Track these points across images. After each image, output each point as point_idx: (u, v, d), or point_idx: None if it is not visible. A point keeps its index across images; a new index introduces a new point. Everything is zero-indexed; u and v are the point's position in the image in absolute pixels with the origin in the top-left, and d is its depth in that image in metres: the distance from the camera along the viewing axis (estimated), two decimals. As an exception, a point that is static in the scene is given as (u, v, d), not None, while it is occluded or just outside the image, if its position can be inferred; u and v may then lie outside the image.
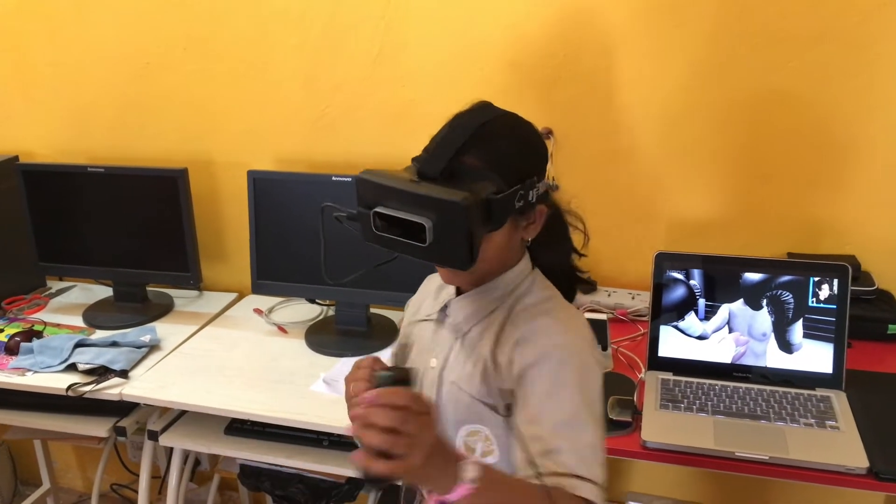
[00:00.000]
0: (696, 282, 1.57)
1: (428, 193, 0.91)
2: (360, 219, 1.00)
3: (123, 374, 1.73)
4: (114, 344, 1.83)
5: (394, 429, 0.78)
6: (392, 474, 0.78)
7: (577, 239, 1.16)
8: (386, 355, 1.23)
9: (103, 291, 2.21)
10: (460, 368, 1.07)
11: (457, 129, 0.98)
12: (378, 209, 0.96)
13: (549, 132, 1.84)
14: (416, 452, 0.78)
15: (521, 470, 0.96)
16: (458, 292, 1.11)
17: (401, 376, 0.85)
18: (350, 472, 1.68)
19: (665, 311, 1.58)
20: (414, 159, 1.01)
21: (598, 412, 0.99)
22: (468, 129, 0.97)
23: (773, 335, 1.53)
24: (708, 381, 1.52)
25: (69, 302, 2.19)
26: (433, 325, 1.15)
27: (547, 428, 0.95)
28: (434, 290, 1.19)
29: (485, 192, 0.93)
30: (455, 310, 1.10)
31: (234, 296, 2.21)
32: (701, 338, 1.57)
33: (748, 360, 1.54)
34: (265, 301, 2.11)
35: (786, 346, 1.52)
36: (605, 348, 1.62)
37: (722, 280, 1.56)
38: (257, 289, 1.97)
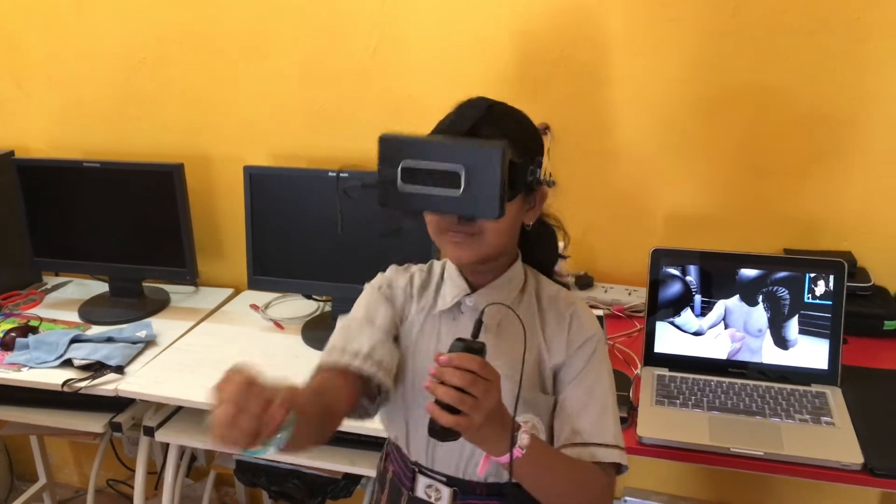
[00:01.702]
0: (692, 278, 1.57)
1: (464, 141, 0.96)
2: (380, 178, 0.99)
3: (119, 369, 1.73)
4: (109, 339, 1.83)
5: (462, 388, 0.87)
6: (454, 427, 0.88)
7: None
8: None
9: (99, 287, 2.20)
10: (505, 359, 1.04)
11: (467, 109, 1.02)
12: (407, 162, 0.96)
13: (546, 128, 1.83)
14: (478, 413, 0.88)
15: (566, 439, 1.05)
16: (471, 288, 1.09)
17: (472, 346, 0.92)
18: (346, 468, 1.68)
19: (661, 307, 1.58)
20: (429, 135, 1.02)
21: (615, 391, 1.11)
22: (479, 109, 1.01)
23: (768, 331, 1.53)
24: (704, 377, 1.52)
25: (65, 297, 2.19)
26: (446, 321, 1.11)
27: (593, 402, 1.05)
28: (417, 289, 1.15)
29: (510, 152, 0.96)
30: (480, 304, 1.06)
31: (230, 291, 2.20)
32: (697, 334, 1.57)
33: (744, 356, 1.54)
34: (261, 297, 2.10)
35: (781, 342, 1.52)
36: (601, 344, 1.62)
37: (718, 276, 1.56)
38: (253, 284, 1.97)
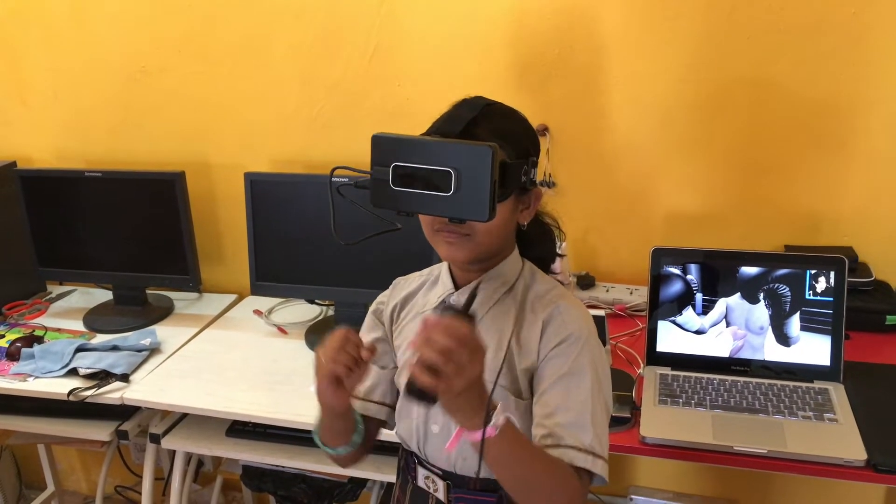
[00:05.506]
0: (693, 276, 1.57)
1: (455, 143, 0.96)
2: (373, 178, 1.00)
3: (124, 377, 1.74)
4: (114, 348, 1.84)
5: (448, 351, 0.84)
6: (433, 389, 0.85)
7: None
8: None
9: (103, 295, 2.21)
10: None
11: (463, 108, 1.03)
12: (399, 163, 0.97)
13: (545, 129, 1.84)
14: (459, 378, 0.85)
15: (538, 442, 1.02)
16: (456, 287, 1.11)
17: (462, 314, 0.90)
18: (352, 472, 1.69)
19: (663, 306, 1.59)
20: (422, 135, 1.03)
21: (608, 392, 1.07)
22: (475, 108, 1.01)
23: (770, 328, 1.53)
24: (706, 376, 1.52)
25: (69, 306, 2.20)
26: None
27: (569, 404, 1.02)
28: (411, 292, 1.20)
29: (501, 154, 0.96)
30: (461, 302, 1.09)
31: (233, 297, 2.21)
32: (699, 332, 1.57)
33: (746, 354, 1.54)
34: (265, 302, 2.11)
35: (783, 339, 1.53)
36: (604, 344, 1.61)
37: (719, 274, 1.56)
38: (257, 290, 1.97)
